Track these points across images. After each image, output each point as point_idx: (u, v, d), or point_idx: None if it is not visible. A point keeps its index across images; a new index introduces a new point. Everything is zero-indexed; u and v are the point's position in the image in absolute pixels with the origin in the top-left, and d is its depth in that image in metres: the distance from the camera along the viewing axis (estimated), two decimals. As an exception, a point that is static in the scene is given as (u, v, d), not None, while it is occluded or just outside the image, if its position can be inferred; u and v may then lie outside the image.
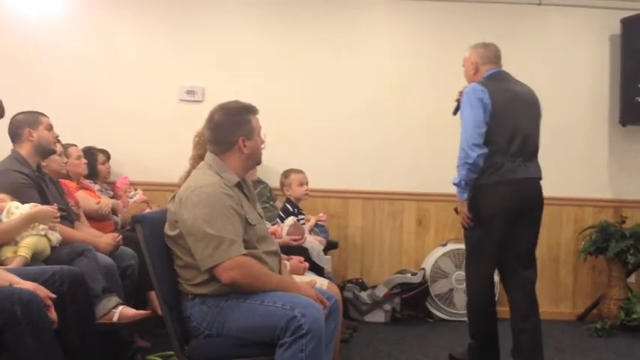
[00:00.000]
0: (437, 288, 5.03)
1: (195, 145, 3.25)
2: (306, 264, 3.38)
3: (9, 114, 3.50)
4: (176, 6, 5.18)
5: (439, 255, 5.04)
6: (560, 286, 5.28)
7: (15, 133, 3.45)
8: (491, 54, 3.77)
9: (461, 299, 4.93)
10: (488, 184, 3.56)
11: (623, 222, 5.01)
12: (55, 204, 3.26)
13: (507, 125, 3.58)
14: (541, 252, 5.21)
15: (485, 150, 3.51)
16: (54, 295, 2.44)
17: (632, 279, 5.10)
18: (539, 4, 5.21)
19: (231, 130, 2.64)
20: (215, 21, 5.19)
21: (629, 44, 5.01)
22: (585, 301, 5.22)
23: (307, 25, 5.22)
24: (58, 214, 3.16)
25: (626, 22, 5.04)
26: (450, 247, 5.05)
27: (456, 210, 3.74)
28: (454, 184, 3.62)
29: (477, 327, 3.78)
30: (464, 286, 4.67)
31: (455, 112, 3.80)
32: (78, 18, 5.18)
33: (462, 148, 3.54)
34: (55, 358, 2.40)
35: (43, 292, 2.43)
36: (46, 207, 3.11)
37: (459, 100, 3.74)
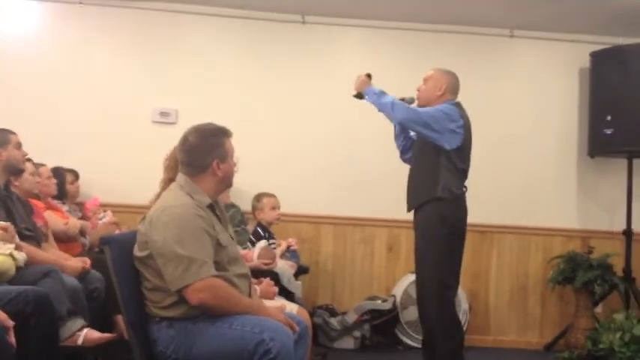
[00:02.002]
0: (407, 315, 5.02)
1: (166, 169, 3.23)
2: (276, 288, 3.36)
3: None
4: (151, 28, 5.18)
5: (410, 282, 5.04)
6: (528, 315, 5.32)
7: (-18, 152, 3.40)
8: (457, 86, 3.89)
9: (430, 327, 4.93)
10: (457, 198, 3.65)
11: (591, 252, 5.08)
12: (9, 223, 3.18)
13: (468, 157, 3.75)
14: (509, 280, 5.29)
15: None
16: (12, 323, 2.38)
17: (599, 309, 5.15)
18: (511, 36, 5.32)
19: (205, 153, 2.63)
20: (190, 44, 5.19)
21: (598, 77, 5.13)
22: (553, 330, 5.25)
23: (281, 49, 5.26)
24: (14, 234, 3.09)
25: (596, 56, 5.17)
26: (421, 274, 5.05)
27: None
28: (385, 102, 3.69)
29: (459, 357, 3.69)
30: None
31: (357, 97, 3.94)
32: (50, 37, 5.15)
33: (414, 111, 3.64)
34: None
35: (2, 316, 2.38)
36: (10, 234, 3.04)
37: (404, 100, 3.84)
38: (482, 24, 5.25)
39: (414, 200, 3.79)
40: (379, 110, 3.73)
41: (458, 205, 3.70)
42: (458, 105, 3.82)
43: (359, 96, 3.91)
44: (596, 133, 5.14)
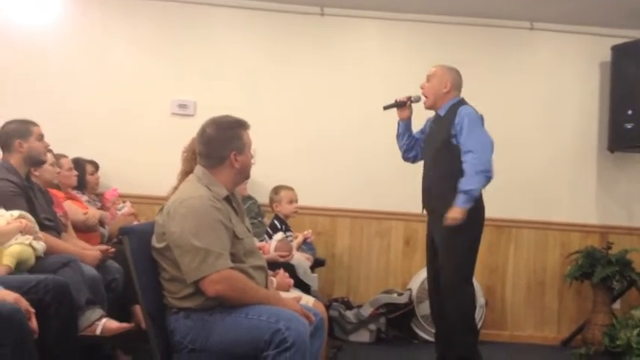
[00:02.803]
0: (423, 309, 5.01)
1: (184, 161, 3.25)
2: (291, 280, 3.37)
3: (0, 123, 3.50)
4: (170, 20, 5.20)
5: (426, 276, 5.02)
6: (545, 310, 5.29)
7: (5, 143, 3.45)
8: (461, 82, 3.92)
9: (446, 321, 4.93)
10: (479, 199, 3.70)
11: (610, 248, 5.03)
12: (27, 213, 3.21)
13: None
14: (527, 275, 5.26)
15: None
16: (33, 310, 2.41)
17: (616, 305, 5.12)
18: (531, 28, 5.27)
19: (223, 145, 2.64)
20: (208, 36, 5.21)
21: (619, 71, 5.07)
22: (570, 326, 5.22)
23: (300, 42, 5.25)
24: (33, 224, 3.13)
25: (617, 50, 5.11)
26: (437, 268, 5.05)
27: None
28: (467, 190, 3.60)
29: (476, 350, 3.74)
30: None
31: (386, 108, 3.94)
32: (70, 29, 5.18)
33: (482, 160, 3.60)
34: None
35: (24, 303, 2.41)
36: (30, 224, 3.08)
37: (400, 101, 3.90)
38: (501, 16, 5.20)
39: (436, 202, 3.78)
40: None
41: (480, 205, 3.73)
42: (463, 101, 3.83)
43: (388, 107, 3.98)
44: (616, 128, 5.09)
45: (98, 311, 3.07)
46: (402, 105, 4.00)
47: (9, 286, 2.51)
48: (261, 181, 4.86)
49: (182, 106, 5.16)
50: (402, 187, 5.17)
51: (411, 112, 4.02)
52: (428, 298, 4.09)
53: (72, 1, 5.20)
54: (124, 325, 3.13)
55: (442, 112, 3.87)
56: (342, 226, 5.27)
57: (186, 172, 3.06)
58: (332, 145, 5.22)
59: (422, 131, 4.09)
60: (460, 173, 3.68)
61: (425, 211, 3.99)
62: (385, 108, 4.02)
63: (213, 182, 2.63)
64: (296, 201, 4.65)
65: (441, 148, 3.77)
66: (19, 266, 2.95)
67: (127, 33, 5.21)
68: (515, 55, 5.31)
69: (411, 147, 4.07)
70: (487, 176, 3.64)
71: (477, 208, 3.70)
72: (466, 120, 3.69)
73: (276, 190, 4.70)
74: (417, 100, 3.95)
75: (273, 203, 4.67)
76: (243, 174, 2.74)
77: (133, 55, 5.21)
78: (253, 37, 5.26)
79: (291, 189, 4.69)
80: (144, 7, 5.17)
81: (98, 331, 3.02)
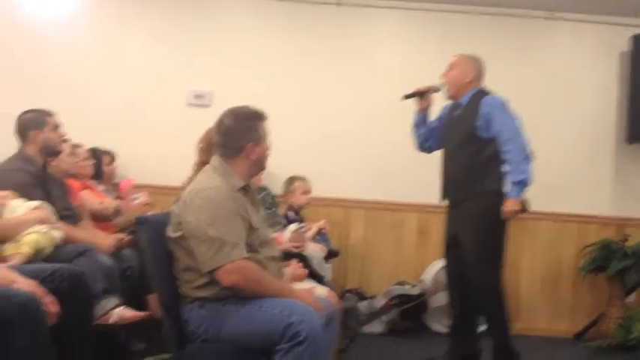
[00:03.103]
0: (436, 301, 5.01)
1: (199, 151, 3.26)
2: (305, 270, 3.38)
3: (16, 112, 3.52)
4: (186, 9, 5.21)
5: (439, 267, 5.03)
6: (559, 303, 5.27)
7: (21, 133, 3.47)
8: (484, 72, 3.87)
9: (460, 312, 4.93)
10: (501, 189, 3.67)
11: (626, 240, 5.00)
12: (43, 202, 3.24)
13: None
14: (541, 268, 5.24)
15: None
16: (50, 299, 2.44)
17: (631, 298, 5.09)
18: (549, 18, 5.22)
19: (240, 136, 2.65)
20: (225, 26, 5.21)
21: (639, 61, 5.01)
22: (584, 319, 5.20)
23: (316, 32, 5.24)
24: (49, 214, 3.16)
25: (637, 40, 5.05)
26: (451, 259, 5.04)
27: (523, 210, 3.70)
28: (520, 180, 3.60)
29: (509, 338, 3.76)
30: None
31: (406, 97, 3.91)
32: (87, 20, 5.21)
33: (522, 146, 3.62)
34: (49, 359, 2.40)
35: (40, 291, 2.44)
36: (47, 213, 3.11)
37: (421, 90, 3.87)
38: (519, 6, 5.16)
39: (460, 194, 3.76)
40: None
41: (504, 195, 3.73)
42: (484, 91, 3.81)
43: (408, 97, 3.94)
44: (634, 119, 5.05)
45: (113, 300, 3.09)
46: (423, 95, 3.96)
47: (25, 275, 2.53)
48: (275, 171, 4.86)
49: (198, 96, 5.18)
50: (417, 179, 5.16)
51: (430, 103, 3.99)
52: (445, 291, 4.07)
53: (88, -9, 5.23)
54: (139, 313, 3.15)
55: (463, 102, 3.84)
56: (356, 217, 5.27)
57: (202, 163, 3.08)
58: (347, 136, 5.22)
59: (438, 120, 4.05)
60: (486, 164, 3.68)
61: (444, 202, 3.95)
62: (405, 97, 3.97)
63: (229, 173, 2.64)
64: (310, 192, 4.67)
65: (465, 139, 3.74)
66: (37, 255, 2.97)
67: (143, 23, 5.22)
68: (532, 44, 5.26)
69: (428, 137, 4.04)
70: (530, 159, 3.65)
71: (502, 201, 3.68)
72: (495, 110, 3.67)
73: (290, 180, 4.71)
74: (438, 89, 3.92)
75: (287, 194, 4.68)
76: (260, 165, 2.76)
77: (149, 45, 5.23)
78: (269, 27, 5.25)
79: (305, 180, 4.70)
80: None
81: (113, 320, 3.05)
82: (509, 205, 3.63)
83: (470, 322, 3.96)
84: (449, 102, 4.00)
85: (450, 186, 3.86)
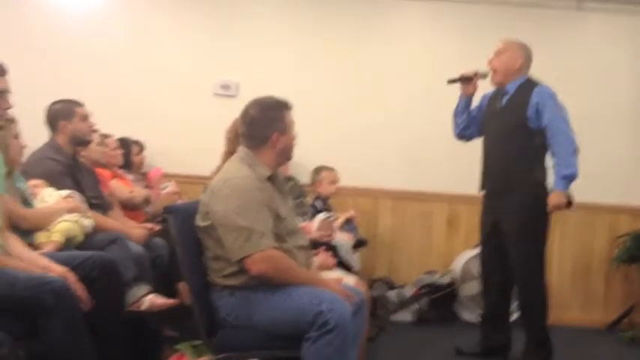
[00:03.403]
0: (465, 290, 4.98)
1: (227, 141, 3.28)
2: (334, 259, 3.38)
3: (47, 102, 3.57)
4: (213, 0, 5.21)
5: (469, 257, 4.99)
6: (591, 293, 5.19)
7: (51, 123, 3.52)
8: (531, 60, 3.80)
9: (489, 302, 4.90)
10: (546, 181, 3.68)
11: (660, 230, 4.91)
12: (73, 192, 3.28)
13: None
14: (573, 258, 5.17)
15: None
16: (81, 286, 2.47)
17: (665, 289, 5.01)
18: (579, 8, 5.12)
19: (265, 126, 2.66)
20: (252, 16, 5.20)
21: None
22: (617, 309, 5.11)
23: (343, 22, 5.21)
24: (79, 203, 3.20)
25: (669, 27, 4.94)
26: (480, 249, 5.00)
27: (569, 203, 3.67)
28: (568, 174, 3.59)
29: (547, 331, 3.75)
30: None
31: (450, 82, 3.84)
32: (115, 10, 5.24)
33: (571, 139, 3.60)
34: (85, 344, 2.44)
35: (71, 277, 2.47)
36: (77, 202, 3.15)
37: (466, 76, 3.79)
38: (548, -5, 5.08)
39: (506, 184, 3.71)
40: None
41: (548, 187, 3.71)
42: (533, 80, 3.76)
43: (453, 81, 3.87)
44: (668, 107, 4.94)
45: (144, 287, 3.13)
46: (468, 80, 3.86)
47: (57, 263, 2.58)
48: (302, 161, 4.85)
49: (225, 86, 5.19)
50: (445, 168, 5.12)
51: (475, 88, 3.89)
52: (477, 279, 4.03)
53: (117, -18, 5.27)
54: (170, 301, 3.19)
55: (511, 90, 3.76)
56: (384, 207, 5.25)
57: (229, 153, 3.10)
58: (374, 126, 5.18)
59: (479, 108, 3.97)
60: (534, 154, 3.66)
61: (483, 192, 3.90)
62: (449, 82, 3.88)
63: (256, 162, 2.64)
64: (337, 182, 4.66)
65: (514, 128, 3.68)
66: (68, 243, 3.02)
67: (171, 14, 5.24)
68: (562, 36, 5.16)
69: (469, 124, 3.95)
70: (577, 153, 3.62)
71: (547, 193, 3.66)
72: (547, 100, 3.63)
73: (318, 170, 4.71)
74: (485, 76, 3.83)
75: (315, 184, 4.68)
76: (286, 155, 2.75)
77: (177, 35, 5.25)
78: (296, 18, 5.23)
79: (332, 170, 4.69)
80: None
81: (144, 307, 3.08)
82: (556, 199, 3.59)
83: (502, 311, 3.93)
84: (488, 91, 3.92)
85: (495, 175, 3.78)
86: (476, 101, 4.05)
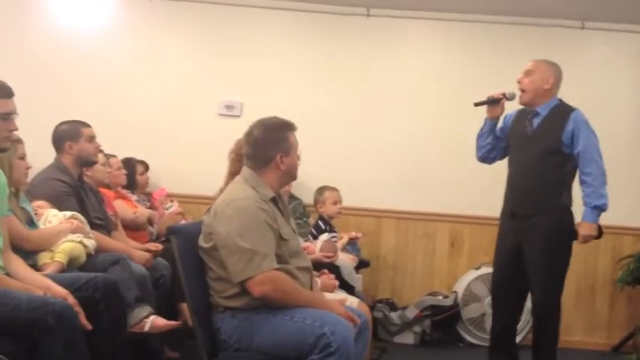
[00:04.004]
0: (469, 312, 4.96)
1: (230, 163, 3.29)
2: (336, 281, 3.37)
3: (53, 123, 3.60)
4: (217, 21, 5.25)
5: (472, 278, 4.98)
6: (595, 315, 5.17)
7: (57, 144, 3.54)
8: (561, 79, 3.78)
9: (493, 324, 4.87)
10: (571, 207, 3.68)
11: (663, 252, 4.89)
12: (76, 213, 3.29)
13: None
14: (577, 280, 5.14)
15: None
16: (80, 310, 2.47)
17: (669, 311, 4.97)
18: (582, 27, 5.15)
19: (269, 146, 2.66)
20: (255, 37, 5.24)
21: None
22: (621, 331, 5.08)
23: (347, 43, 5.24)
24: (83, 224, 3.21)
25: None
26: (484, 270, 4.98)
27: (600, 234, 3.68)
28: (600, 205, 3.59)
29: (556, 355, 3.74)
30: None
31: (477, 104, 3.77)
32: (120, 31, 5.28)
33: (603, 170, 3.60)
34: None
35: (72, 299, 2.48)
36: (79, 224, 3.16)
37: (494, 97, 3.72)
38: (551, 15, 5.10)
39: (536, 209, 3.65)
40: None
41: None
42: (566, 104, 3.74)
43: (480, 104, 3.80)
44: (671, 129, 4.94)
45: (146, 308, 3.12)
46: (495, 102, 3.77)
47: (60, 283, 2.58)
48: (305, 181, 4.87)
49: (229, 107, 5.21)
50: (448, 189, 5.13)
51: (502, 110, 3.81)
52: (493, 299, 3.94)
53: (120, 3, 5.31)
54: (172, 322, 3.18)
55: (543, 112, 3.70)
56: (388, 227, 5.25)
57: (232, 174, 3.10)
58: (378, 146, 5.19)
59: (502, 130, 3.88)
60: (563, 179, 3.65)
61: (506, 213, 3.82)
62: (476, 105, 3.80)
63: (259, 183, 2.65)
64: (340, 202, 4.66)
65: (548, 153, 3.62)
66: (71, 263, 3.03)
67: (175, 34, 5.28)
68: (566, 55, 5.14)
69: (494, 147, 3.87)
70: (606, 182, 3.63)
71: (572, 221, 3.68)
72: (583, 127, 3.61)
73: (321, 190, 4.72)
74: (512, 97, 3.76)
75: (318, 204, 4.69)
76: (290, 175, 2.76)
77: (182, 56, 5.29)
78: (300, 39, 5.27)
79: (335, 190, 4.70)
80: (192, 8, 5.23)
81: (146, 328, 3.08)
82: (587, 230, 3.58)
83: (512, 335, 3.90)
84: (510, 112, 3.87)
85: (523, 198, 3.69)
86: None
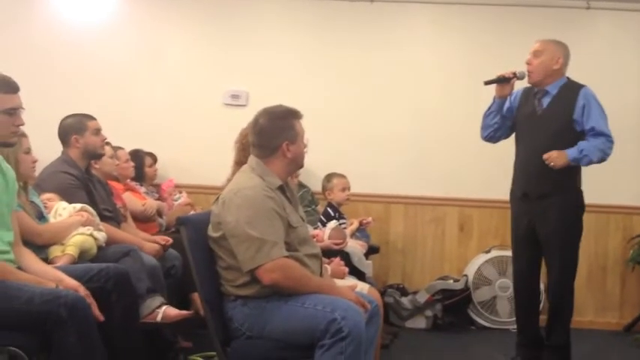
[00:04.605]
0: (479, 295, 4.96)
1: (236, 152, 3.29)
2: (346, 267, 3.38)
3: (60, 116, 3.61)
4: (222, 10, 5.24)
5: (482, 262, 4.98)
6: (606, 295, 5.16)
7: (63, 138, 3.55)
8: (569, 58, 3.76)
9: (504, 307, 4.87)
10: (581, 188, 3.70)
11: (674, 231, 4.87)
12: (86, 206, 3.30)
13: None
14: (588, 260, 5.13)
15: None
16: (92, 300, 2.49)
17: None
18: (588, 8, 5.11)
19: (275, 135, 2.66)
20: (260, 25, 5.23)
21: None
22: (633, 311, 5.07)
23: (352, 30, 5.22)
24: (93, 216, 3.22)
25: (679, 26, 4.91)
26: (494, 253, 4.98)
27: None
28: (585, 155, 3.55)
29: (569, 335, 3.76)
30: (507, 293, 4.61)
31: (487, 83, 3.73)
32: (124, 23, 5.28)
33: (609, 145, 3.61)
34: (99, 356, 2.45)
35: (83, 291, 2.49)
36: (89, 217, 3.18)
37: (504, 76, 3.68)
38: (557, -4, 5.07)
39: (549, 188, 3.63)
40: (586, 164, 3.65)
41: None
42: (575, 82, 3.72)
43: (490, 82, 3.74)
44: (680, 107, 4.90)
45: (158, 299, 3.14)
46: (506, 81, 3.71)
47: (72, 275, 2.60)
48: (313, 169, 4.87)
49: (234, 96, 5.21)
50: (457, 173, 5.13)
51: (512, 90, 3.77)
52: (514, 281, 3.92)
53: (125, -5, 5.32)
54: (184, 312, 3.20)
55: (553, 91, 3.68)
56: (396, 213, 5.25)
57: (238, 163, 3.10)
58: (384, 132, 5.19)
59: (509, 109, 3.84)
60: None
61: (518, 194, 3.79)
62: (486, 83, 3.75)
63: (266, 172, 2.65)
64: (348, 188, 4.66)
65: (561, 131, 3.60)
66: (82, 255, 3.04)
67: (180, 24, 5.28)
68: (571, 36, 5.09)
69: (500, 126, 3.84)
70: (604, 159, 3.63)
71: (583, 200, 3.72)
72: (594, 103, 3.62)
73: (329, 177, 4.72)
74: (522, 76, 3.72)
75: (326, 191, 4.69)
76: (296, 163, 2.76)
77: (187, 46, 5.29)
78: (305, 26, 5.25)
79: (343, 176, 4.70)
80: (194, -1, 5.25)
81: (159, 318, 3.09)
82: (560, 155, 3.52)
83: (536, 318, 3.90)
84: (517, 90, 3.83)
85: (536, 178, 3.66)
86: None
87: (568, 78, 3.74)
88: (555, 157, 3.52)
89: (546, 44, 3.71)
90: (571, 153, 3.54)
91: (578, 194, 3.71)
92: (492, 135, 3.88)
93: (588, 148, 3.55)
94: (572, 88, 3.67)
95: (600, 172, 5.00)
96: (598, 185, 5.03)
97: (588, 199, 5.03)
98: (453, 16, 5.19)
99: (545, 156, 3.53)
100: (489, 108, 3.84)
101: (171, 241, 3.68)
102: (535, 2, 5.11)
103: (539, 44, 3.72)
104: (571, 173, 3.65)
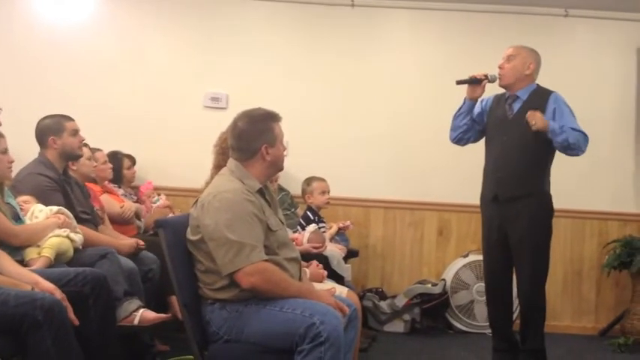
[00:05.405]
0: (457, 299, 4.99)
1: (215, 156, 3.28)
2: (325, 271, 3.38)
3: (38, 116, 3.57)
4: (203, 13, 5.23)
5: (460, 266, 5.01)
6: (582, 300, 5.22)
7: (40, 139, 3.52)
8: (540, 65, 3.80)
9: (481, 311, 4.89)
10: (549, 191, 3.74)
11: (649, 236, 4.94)
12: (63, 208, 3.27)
13: None
14: (564, 265, 5.20)
15: None
16: (67, 304, 2.47)
17: (656, 295, 5.02)
18: (566, 15, 5.18)
19: (254, 138, 2.65)
20: (241, 28, 5.22)
21: (658, 57, 4.96)
22: (608, 315, 5.14)
23: (332, 34, 5.24)
24: (70, 219, 3.19)
25: (655, 35, 4.99)
26: (472, 258, 5.02)
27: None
28: (564, 131, 3.55)
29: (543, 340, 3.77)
30: (484, 297, 4.64)
31: (459, 83, 3.76)
32: (105, 24, 5.25)
33: (584, 140, 3.65)
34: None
35: (59, 294, 2.47)
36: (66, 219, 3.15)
37: (476, 77, 3.72)
38: (535, 3, 5.11)
39: (520, 190, 3.66)
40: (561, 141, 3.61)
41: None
42: (545, 89, 3.76)
43: (462, 82, 3.77)
44: (655, 114, 4.98)
45: (135, 302, 3.12)
46: (477, 82, 3.74)
47: (48, 279, 2.57)
48: (293, 172, 4.87)
49: (214, 99, 5.20)
50: (435, 177, 5.16)
51: (483, 91, 3.79)
52: (486, 286, 3.94)
53: (105, -4, 5.28)
54: (161, 315, 3.18)
55: (523, 96, 3.71)
56: (376, 217, 5.26)
57: (217, 167, 3.09)
58: (364, 136, 5.20)
59: (479, 114, 3.87)
60: (545, 163, 3.70)
61: (488, 198, 3.81)
62: (458, 83, 3.78)
63: (246, 175, 2.64)
64: (328, 192, 4.67)
65: (531, 136, 3.60)
66: (58, 258, 3.01)
67: (161, 27, 5.25)
68: (550, 42, 5.17)
69: (469, 128, 3.86)
70: (577, 153, 3.65)
71: (551, 204, 3.75)
72: (564, 107, 3.66)
73: (308, 181, 4.72)
74: (494, 79, 3.75)
75: (306, 194, 4.69)
76: (276, 166, 2.76)
77: (166, 49, 5.26)
78: (285, 30, 5.26)
79: (323, 180, 4.70)
80: (176, 1, 5.22)
81: (136, 322, 3.07)
82: (539, 118, 3.52)
83: (510, 321, 3.93)
84: (486, 97, 3.87)
85: (506, 182, 3.69)
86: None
87: (538, 85, 3.78)
88: (538, 118, 3.54)
89: (519, 50, 3.77)
90: (552, 123, 3.57)
91: (548, 198, 3.74)
92: (461, 137, 3.90)
93: (568, 129, 3.57)
94: (542, 94, 3.72)
95: (576, 177, 5.11)
96: (574, 191, 5.13)
97: (564, 204, 5.11)
98: (433, 21, 5.23)
99: (528, 113, 3.54)
100: (459, 109, 3.87)
101: (142, 243, 3.64)
102: (514, 9, 5.16)
103: (512, 49, 3.77)
104: (540, 176, 3.69)
